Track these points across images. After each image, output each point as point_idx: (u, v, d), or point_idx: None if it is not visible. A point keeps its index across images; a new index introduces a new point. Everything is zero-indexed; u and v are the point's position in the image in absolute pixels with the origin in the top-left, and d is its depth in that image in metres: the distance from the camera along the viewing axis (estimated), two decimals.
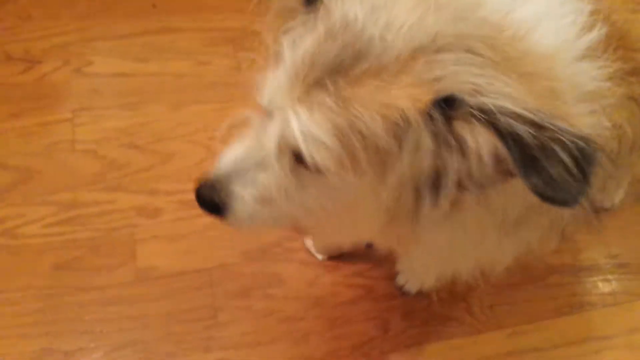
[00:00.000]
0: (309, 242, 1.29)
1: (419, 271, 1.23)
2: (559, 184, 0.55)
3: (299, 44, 0.66)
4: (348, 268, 1.28)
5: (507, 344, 1.22)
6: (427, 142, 0.60)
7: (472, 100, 0.57)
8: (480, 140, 0.58)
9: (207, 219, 1.24)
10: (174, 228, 1.29)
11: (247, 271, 1.25)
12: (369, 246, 1.23)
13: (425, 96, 0.59)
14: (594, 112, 0.68)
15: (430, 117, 0.59)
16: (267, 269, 1.26)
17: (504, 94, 0.57)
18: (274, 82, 0.68)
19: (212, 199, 0.77)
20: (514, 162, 0.55)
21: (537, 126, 0.55)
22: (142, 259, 1.24)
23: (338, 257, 1.28)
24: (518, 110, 0.55)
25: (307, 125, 0.63)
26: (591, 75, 0.69)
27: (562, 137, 0.54)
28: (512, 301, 1.28)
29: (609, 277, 1.35)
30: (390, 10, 0.64)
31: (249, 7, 1.69)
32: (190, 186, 1.21)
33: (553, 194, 0.55)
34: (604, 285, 1.34)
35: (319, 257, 1.28)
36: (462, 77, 0.59)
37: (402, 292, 1.25)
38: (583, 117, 0.66)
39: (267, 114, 0.70)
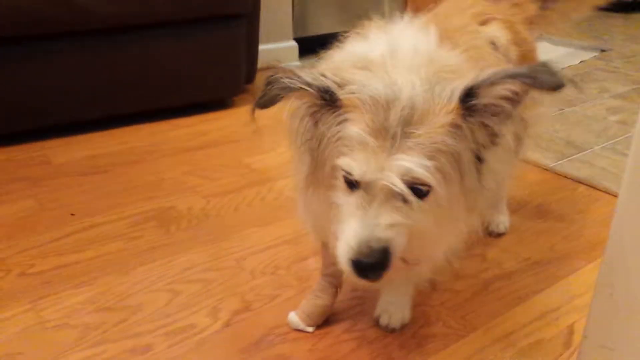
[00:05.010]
0: (294, 322, 1.41)
1: (396, 303, 1.42)
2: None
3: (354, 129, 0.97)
4: (336, 329, 1.42)
5: (487, 337, 1.41)
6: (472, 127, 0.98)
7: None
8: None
9: (197, 337, 1.36)
10: (168, 354, 1.35)
11: None
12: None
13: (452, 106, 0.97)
14: None
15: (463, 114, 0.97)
16: (268, 355, 1.35)
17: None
18: (362, 159, 0.96)
19: (374, 258, 0.97)
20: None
21: None
22: None
23: (323, 323, 1.42)
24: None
25: (412, 160, 0.93)
26: None
27: None
28: (474, 309, 1.50)
29: (532, 272, 1.65)
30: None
31: (158, 193, 2.03)
32: (169, 320, 1.38)
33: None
34: (532, 278, 1.62)
35: (309, 329, 1.41)
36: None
37: (389, 330, 1.41)
38: None
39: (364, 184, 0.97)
